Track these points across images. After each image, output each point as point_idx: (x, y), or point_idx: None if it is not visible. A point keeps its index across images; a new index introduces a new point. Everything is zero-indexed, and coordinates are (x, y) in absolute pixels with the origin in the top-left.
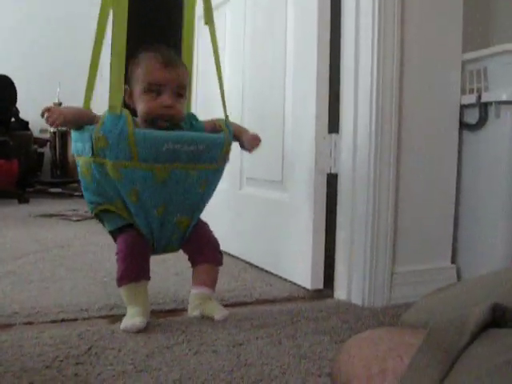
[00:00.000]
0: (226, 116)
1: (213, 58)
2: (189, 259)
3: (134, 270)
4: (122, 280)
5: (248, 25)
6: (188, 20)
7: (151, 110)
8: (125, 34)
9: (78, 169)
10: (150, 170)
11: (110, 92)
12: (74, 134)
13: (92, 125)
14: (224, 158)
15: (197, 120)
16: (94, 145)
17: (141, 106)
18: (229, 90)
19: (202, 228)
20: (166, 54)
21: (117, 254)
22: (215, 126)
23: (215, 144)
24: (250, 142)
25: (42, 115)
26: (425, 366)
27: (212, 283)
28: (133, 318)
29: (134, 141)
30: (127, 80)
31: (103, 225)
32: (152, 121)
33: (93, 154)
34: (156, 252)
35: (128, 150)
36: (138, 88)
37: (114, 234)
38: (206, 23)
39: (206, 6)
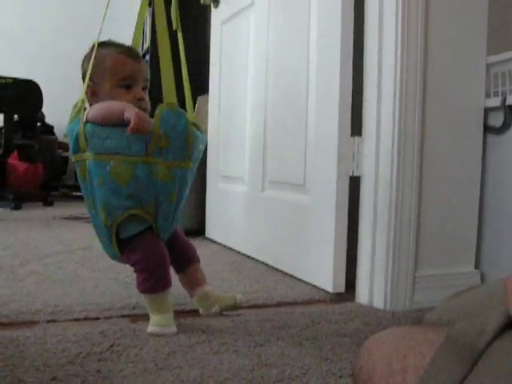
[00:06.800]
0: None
1: (234, 61)
2: (172, 264)
3: (165, 280)
4: (154, 290)
5: (271, 28)
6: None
7: None
8: (167, 31)
9: (101, 170)
10: (190, 170)
11: (165, 89)
12: (101, 130)
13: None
14: None
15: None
16: (151, 143)
17: None
18: (252, 94)
19: (178, 229)
20: (130, 48)
21: (140, 261)
22: None
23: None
24: None
25: (134, 123)
26: (446, 363)
27: (206, 279)
28: (163, 326)
29: (192, 140)
30: (84, 77)
31: (116, 233)
32: None
33: (146, 153)
34: None
35: (185, 149)
36: (106, 84)
37: (131, 239)
38: (175, 29)
39: (175, 14)
